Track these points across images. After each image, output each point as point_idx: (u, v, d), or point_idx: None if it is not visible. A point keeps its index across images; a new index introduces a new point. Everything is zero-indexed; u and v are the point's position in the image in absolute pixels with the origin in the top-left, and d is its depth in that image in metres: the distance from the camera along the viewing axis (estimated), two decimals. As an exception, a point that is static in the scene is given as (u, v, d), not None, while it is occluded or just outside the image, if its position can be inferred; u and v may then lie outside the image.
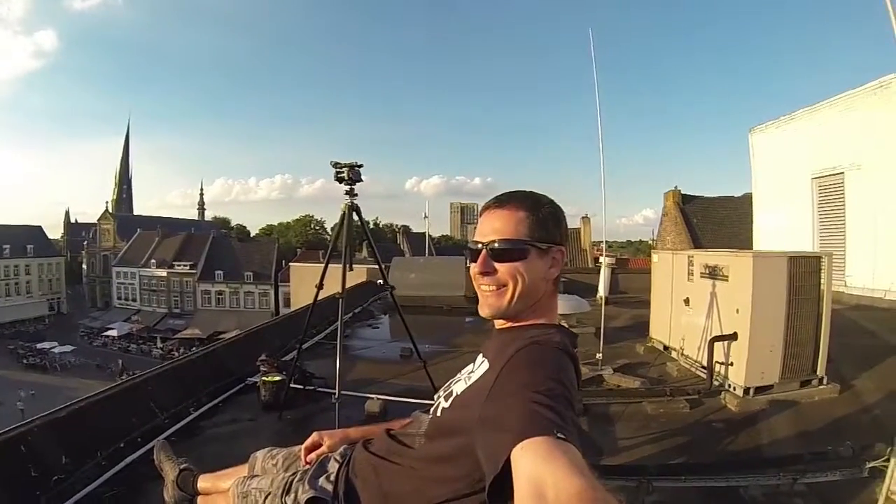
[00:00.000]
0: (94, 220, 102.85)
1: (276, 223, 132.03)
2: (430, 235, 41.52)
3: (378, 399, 6.76)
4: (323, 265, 6.01)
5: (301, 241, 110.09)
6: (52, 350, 67.84)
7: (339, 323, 5.82)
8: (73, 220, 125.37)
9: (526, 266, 1.82)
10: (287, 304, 65.31)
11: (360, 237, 7.21)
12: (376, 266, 7.71)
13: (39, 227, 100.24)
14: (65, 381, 58.14)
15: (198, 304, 78.28)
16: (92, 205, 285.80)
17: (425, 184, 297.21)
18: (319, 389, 7.33)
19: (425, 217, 38.86)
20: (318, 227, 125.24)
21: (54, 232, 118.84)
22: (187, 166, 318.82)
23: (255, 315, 68.21)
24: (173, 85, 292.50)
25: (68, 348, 68.37)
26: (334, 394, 5.51)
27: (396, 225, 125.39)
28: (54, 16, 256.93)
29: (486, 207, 1.93)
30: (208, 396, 7.09)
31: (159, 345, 70.98)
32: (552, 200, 1.92)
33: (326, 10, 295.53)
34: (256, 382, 7.24)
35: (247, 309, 74.44)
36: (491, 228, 1.86)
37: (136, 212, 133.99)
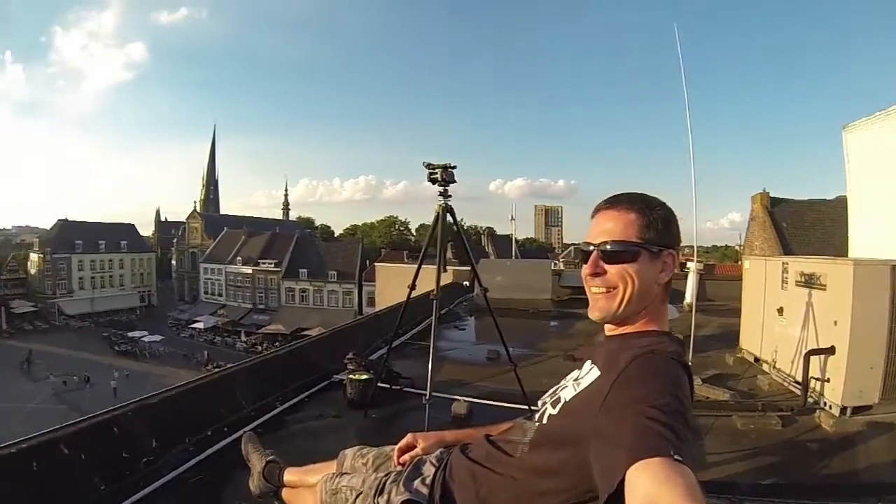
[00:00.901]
0: (183, 219, 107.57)
1: (360, 223, 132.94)
2: (515, 238, 41.48)
3: (465, 401, 6.67)
4: (416, 265, 5.96)
5: (385, 241, 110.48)
6: (143, 339, 71.06)
7: (432, 324, 5.68)
8: (163, 219, 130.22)
9: (637, 269, 1.78)
10: (371, 303, 66.40)
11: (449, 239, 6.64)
12: (462, 267, 7.58)
13: (132, 225, 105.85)
14: (153, 367, 60.56)
15: (282, 300, 79.47)
16: (181, 204, 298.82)
17: (509, 185, 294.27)
18: (406, 389, 7.34)
19: (512, 219, 38.40)
20: (402, 228, 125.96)
21: (146, 230, 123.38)
22: (272, 167, 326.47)
23: (338, 313, 68.98)
24: (258, 89, 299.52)
25: (157, 338, 71.19)
26: (424, 394, 5.34)
27: (481, 227, 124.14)
28: (143, 29, 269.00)
29: (598, 209, 1.91)
30: (294, 391, 7.16)
31: (243, 338, 72.30)
32: (664, 203, 1.88)
33: (410, 13, 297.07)
34: (343, 380, 7.28)
35: (330, 307, 75.15)
36: (601, 229, 1.84)
37: (222, 211, 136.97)
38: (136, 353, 67.94)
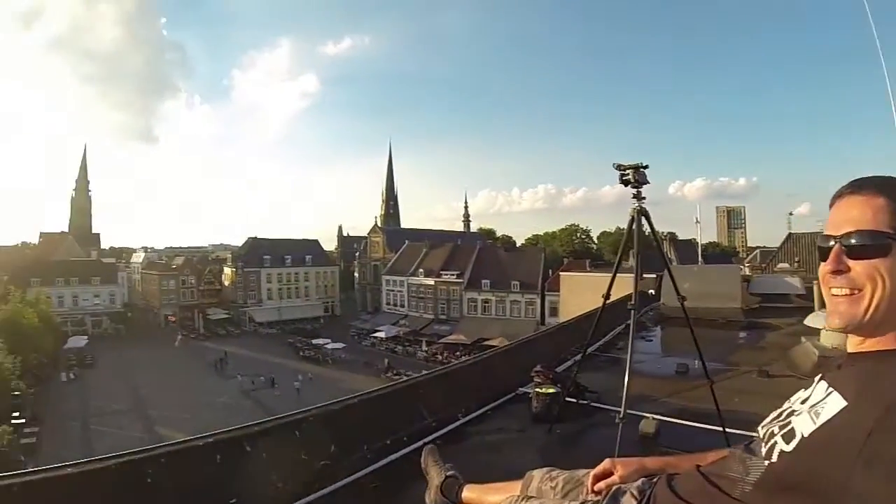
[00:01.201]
0: (365, 234, 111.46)
1: (541, 233, 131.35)
2: (700, 242, 37.74)
3: (654, 419, 6.08)
4: (601, 274, 6.35)
5: (567, 250, 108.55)
6: (326, 346, 73.65)
7: (630, 335, 5.22)
8: (345, 234, 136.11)
9: (889, 265, 1.34)
10: (553, 313, 65.47)
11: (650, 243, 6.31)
12: (647, 275, 7.51)
13: (316, 241, 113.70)
14: (335, 373, 63.17)
15: (464, 311, 79.57)
16: (362, 220, 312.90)
17: (689, 187, 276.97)
18: (593, 405, 6.86)
19: (697, 222, 35.98)
20: (583, 236, 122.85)
21: (329, 245, 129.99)
22: (451, 180, 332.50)
23: (520, 324, 68.21)
24: (430, 104, 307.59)
25: (340, 345, 73.28)
26: (617, 412, 4.89)
27: (662, 232, 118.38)
28: (312, 62, 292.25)
29: (839, 194, 1.48)
30: (477, 404, 6.95)
31: (424, 348, 73.55)
32: None
33: (579, 23, 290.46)
34: (528, 393, 6.98)
35: (512, 317, 74.33)
36: (845, 218, 1.43)
37: (403, 225, 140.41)
38: (319, 359, 70.77)
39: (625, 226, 5.37)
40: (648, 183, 5.21)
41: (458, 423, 6.37)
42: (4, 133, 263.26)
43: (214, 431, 4.48)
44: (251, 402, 53.34)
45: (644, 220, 5.28)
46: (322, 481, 4.56)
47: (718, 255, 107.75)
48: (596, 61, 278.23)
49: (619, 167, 5.18)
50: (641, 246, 5.25)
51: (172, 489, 3.89)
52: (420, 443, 4.94)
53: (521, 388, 7.41)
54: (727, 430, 5.00)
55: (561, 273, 61.32)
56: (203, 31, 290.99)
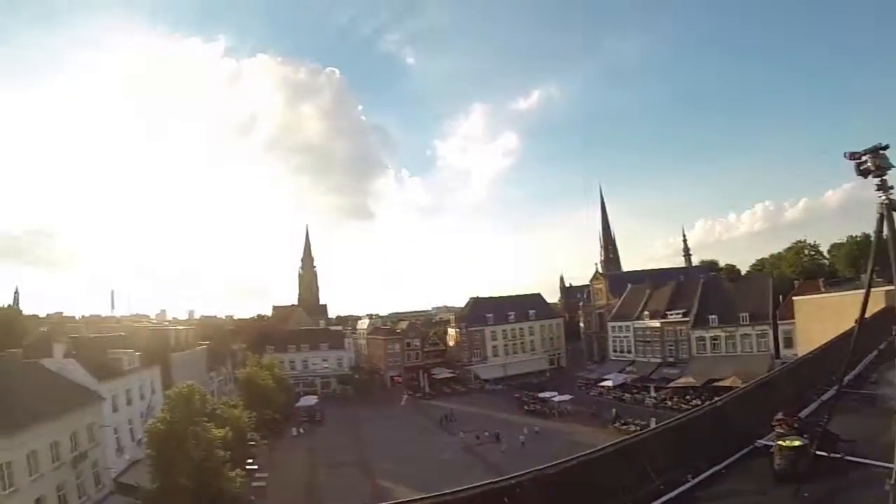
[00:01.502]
0: (586, 282, 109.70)
1: (765, 256, 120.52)
2: None
3: None
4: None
5: (796, 271, 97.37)
6: (552, 398, 71.37)
7: None
8: (567, 285, 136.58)
9: None
10: (788, 343, 59.72)
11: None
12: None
13: (538, 294, 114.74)
14: (561, 425, 61.46)
15: (692, 351, 74.71)
16: (582, 268, 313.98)
17: None
18: (849, 458, 5.27)
19: None
20: (812, 253, 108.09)
21: (552, 296, 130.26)
22: (666, 215, 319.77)
23: (752, 360, 63.46)
24: (632, 141, 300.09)
25: (566, 397, 71.02)
26: (887, 470, 3.75)
27: None
28: (507, 120, 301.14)
29: None
30: (709, 460, 6.03)
31: (652, 394, 69.73)
32: None
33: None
34: (768, 446, 5.98)
35: (744, 353, 68.25)
36: None
37: (623, 268, 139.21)
38: (545, 412, 69.17)
39: (861, 231, 3.96)
40: (893, 167, 4.38)
41: (686, 486, 5.52)
42: (235, 225, 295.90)
43: (413, 498, 4.66)
44: (474, 458, 52.68)
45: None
46: None
47: None
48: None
49: (852, 156, 4.47)
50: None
51: None
52: None
53: (759, 441, 6.38)
54: None
55: (794, 298, 54.03)
56: (398, 110, 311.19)
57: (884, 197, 4.30)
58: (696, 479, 5.55)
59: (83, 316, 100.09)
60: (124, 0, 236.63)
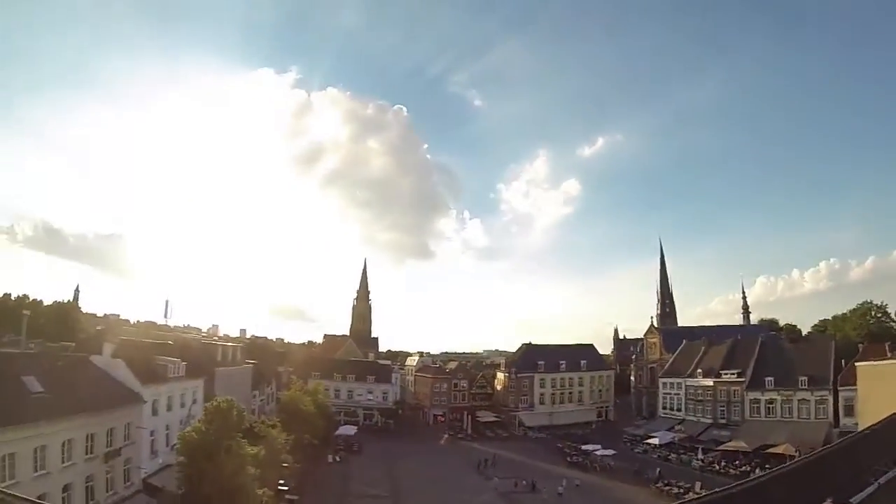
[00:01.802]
0: (640, 335, 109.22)
1: (829, 317, 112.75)
2: None
3: None
4: None
5: (861, 334, 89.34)
6: (595, 452, 69.65)
7: None
8: (621, 337, 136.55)
9: None
10: (849, 412, 56.07)
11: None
12: None
13: (591, 345, 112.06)
14: (602, 480, 60.12)
15: (745, 413, 71.19)
16: (637, 321, 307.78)
17: None
18: None
19: None
20: (879, 315, 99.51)
21: (605, 348, 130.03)
22: (726, 270, 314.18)
23: (809, 427, 60.50)
24: (698, 193, 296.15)
25: (609, 452, 69.08)
26: None
27: None
28: (571, 167, 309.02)
29: None
30: None
31: (700, 456, 66.47)
32: None
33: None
34: None
35: (801, 419, 64.35)
36: None
37: (680, 323, 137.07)
38: (587, 466, 67.60)
39: None
40: None
41: None
42: (296, 253, 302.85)
43: None
44: None
45: None
46: None
47: None
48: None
49: None
50: None
51: None
52: None
53: None
54: None
55: (857, 364, 51.32)
56: (463, 150, 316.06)
57: None
58: None
59: (138, 321, 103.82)
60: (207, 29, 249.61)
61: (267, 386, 71.75)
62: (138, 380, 39.03)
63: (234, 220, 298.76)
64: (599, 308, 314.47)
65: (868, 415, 36.82)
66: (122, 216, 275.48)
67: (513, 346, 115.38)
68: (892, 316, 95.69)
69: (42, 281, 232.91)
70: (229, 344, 67.30)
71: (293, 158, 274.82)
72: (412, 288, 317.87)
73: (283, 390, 70.45)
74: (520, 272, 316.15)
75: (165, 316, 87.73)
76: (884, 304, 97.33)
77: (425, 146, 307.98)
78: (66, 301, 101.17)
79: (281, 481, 46.12)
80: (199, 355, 53.41)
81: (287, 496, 45.36)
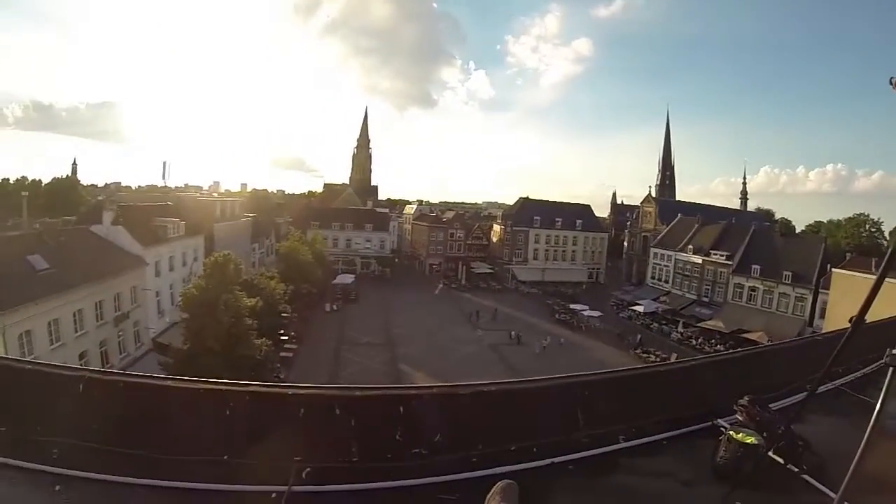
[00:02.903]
0: (638, 203, 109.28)
1: (824, 220, 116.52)
2: None
3: None
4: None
5: (851, 244, 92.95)
6: (582, 312, 72.81)
7: (884, 389, 2.83)
8: (618, 202, 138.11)
9: None
10: (823, 314, 57.87)
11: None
12: None
13: (588, 206, 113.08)
14: (585, 340, 62.92)
15: (728, 296, 73.42)
16: (636, 188, 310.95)
17: None
18: (806, 478, 4.32)
19: None
20: (872, 229, 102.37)
21: (602, 211, 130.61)
22: (730, 153, 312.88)
23: (784, 320, 62.72)
24: (710, 69, 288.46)
25: (596, 313, 71.87)
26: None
27: None
28: (585, 26, 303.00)
29: None
30: (656, 426, 5.14)
31: (680, 329, 69.13)
32: None
33: None
34: (722, 430, 4.92)
35: (778, 311, 66.42)
36: None
37: (677, 197, 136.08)
38: (572, 324, 70.27)
39: None
40: None
41: (613, 448, 4.80)
42: (297, 103, 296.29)
43: (310, 385, 4.30)
44: (495, 356, 54.23)
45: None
46: (401, 472, 3.94)
47: None
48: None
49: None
50: None
51: (245, 427, 3.92)
52: (548, 461, 4.27)
53: (719, 420, 5.31)
54: None
55: (835, 270, 52.10)
56: (471, 1, 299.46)
57: None
58: (629, 443, 4.96)
59: (139, 186, 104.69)
60: None
61: (266, 238, 73.51)
62: (140, 243, 40.97)
63: (231, 74, 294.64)
64: (600, 170, 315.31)
65: (833, 321, 37.93)
66: (113, 83, 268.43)
67: (511, 199, 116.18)
68: (886, 234, 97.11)
69: (40, 160, 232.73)
70: (228, 199, 68.81)
71: (292, 7, 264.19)
72: (415, 137, 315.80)
73: (282, 241, 71.91)
74: (523, 126, 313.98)
75: (164, 177, 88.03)
76: (880, 220, 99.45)
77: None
78: (64, 177, 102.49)
79: (281, 331, 48.48)
80: (198, 213, 54.92)
81: (286, 344, 47.71)
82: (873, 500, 3.99)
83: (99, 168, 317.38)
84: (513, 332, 60.89)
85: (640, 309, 76.80)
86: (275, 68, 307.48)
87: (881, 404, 2.72)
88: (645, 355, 55.16)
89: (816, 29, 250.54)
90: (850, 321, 3.35)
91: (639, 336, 63.66)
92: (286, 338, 49.22)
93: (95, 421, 3.74)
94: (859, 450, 2.74)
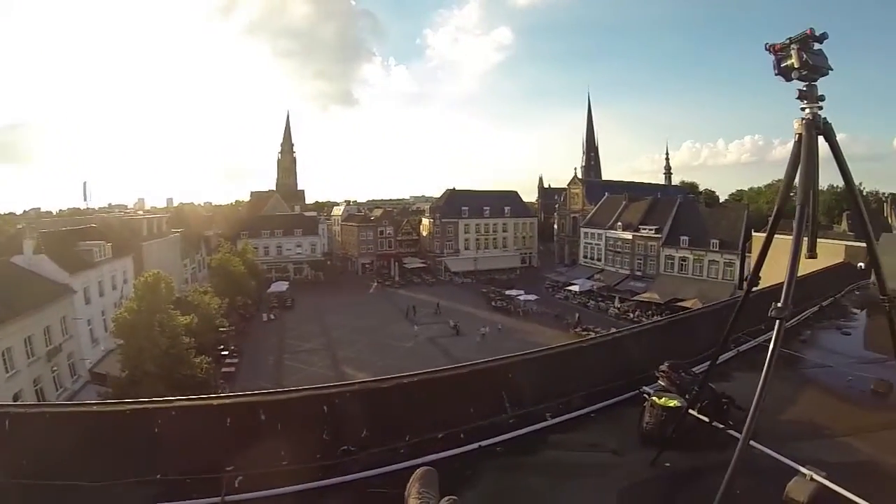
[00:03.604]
0: (565, 185, 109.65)
1: (746, 188, 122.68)
2: None
3: (813, 478, 3.79)
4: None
5: (772, 208, 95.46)
6: (518, 297, 73.15)
7: (773, 340, 2.83)
8: (546, 186, 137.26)
9: None
10: None
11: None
12: (856, 243, 6.69)
13: (515, 192, 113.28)
14: (523, 324, 63.40)
15: (660, 268, 75.46)
16: (562, 171, 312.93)
17: None
18: (731, 433, 4.46)
19: None
20: (791, 194, 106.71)
21: (529, 196, 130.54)
22: (653, 131, 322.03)
23: (716, 286, 64.25)
24: (629, 52, 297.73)
25: (532, 297, 72.52)
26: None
27: (883, 193, 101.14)
28: (504, 15, 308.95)
29: None
30: (583, 400, 5.33)
31: (617, 304, 70.78)
32: None
33: None
34: (647, 395, 5.02)
35: (709, 278, 68.83)
36: None
37: (603, 177, 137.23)
38: (510, 310, 70.81)
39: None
40: (830, 71, 3.09)
41: (538, 426, 4.89)
42: (218, 110, 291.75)
43: (231, 394, 4.46)
44: (436, 349, 54.16)
45: (823, 142, 3.17)
46: (332, 470, 3.96)
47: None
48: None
49: (771, 48, 3.19)
50: (814, 191, 3.23)
51: (174, 443, 3.85)
52: (475, 445, 4.34)
53: (646, 388, 5.39)
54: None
55: (755, 234, 54.54)
56: None
57: (808, 111, 3.13)
58: (556, 420, 5.08)
59: (60, 210, 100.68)
60: None
61: (196, 253, 72.01)
62: (65, 270, 39.22)
63: (149, 86, 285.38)
64: (527, 157, 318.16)
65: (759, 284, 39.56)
66: (22, 102, 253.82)
67: (439, 192, 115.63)
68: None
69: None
70: (154, 216, 66.78)
71: (209, 11, 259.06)
72: (339, 137, 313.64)
73: (213, 255, 70.49)
74: (447, 118, 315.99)
75: (85, 199, 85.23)
76: (797, 185, 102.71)
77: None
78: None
79: (220, 346, 47.87)
80: (124, 233, 53.39)
81: (227, 359, 46.96)
82: (791, 445, 4.36)
83: (14, 194, 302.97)
84: (451, 322, 61.61)
85: (575, 288, 77.84)
86: (194, 78, 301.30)
87: (771, 353, 2.82)
88: (585, 333, 54.30)
89: (724, 10, 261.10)
90: (745, 280, 3.83)
91: (577, 315, 64.26)
92: (226, 353, 48.44)
93: (24, 457, 3.69)
94: (755, 396, 2.83)
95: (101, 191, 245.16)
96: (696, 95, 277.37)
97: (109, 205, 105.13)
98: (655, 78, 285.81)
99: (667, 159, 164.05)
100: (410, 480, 2.95)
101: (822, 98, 3.11)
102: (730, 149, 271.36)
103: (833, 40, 2.91)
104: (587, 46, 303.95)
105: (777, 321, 2.84)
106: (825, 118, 3.08)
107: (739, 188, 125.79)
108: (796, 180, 3.29)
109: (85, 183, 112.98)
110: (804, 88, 3.10)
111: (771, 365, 2.80)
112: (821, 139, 3.09)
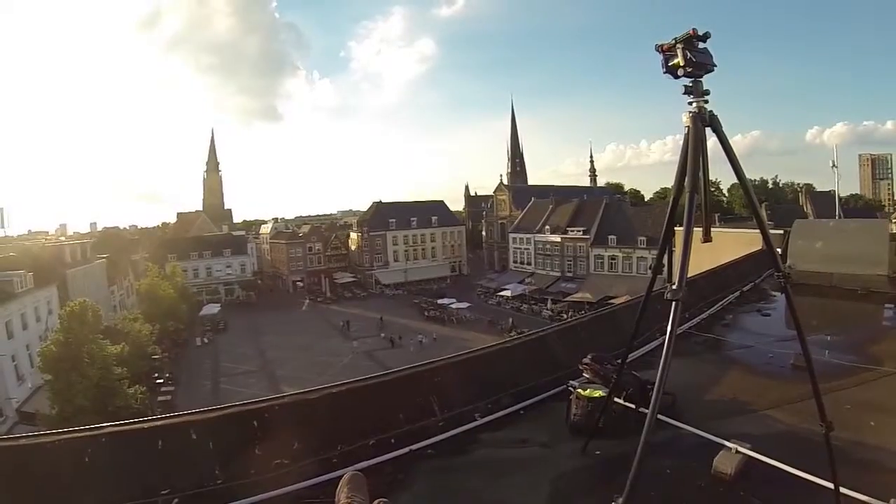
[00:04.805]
0: (491, 193, 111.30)
1: (670, 186, 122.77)
2: (838, 193, 33.60)
3: (736, 451, 4.05)
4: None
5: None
6: (451, 305, 73.58)
7: (670, 320, 2.92)
8: (472, 194, 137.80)
9: None
10: None
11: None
12: (776, 231, 6.61)
13: (442, 202, 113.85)
14: (458, 332, 63.33)
15: (590, 268, 77.40)
16: (488, 178, 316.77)
17: (828, 133, 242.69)
18: (663, 418, 4.54)
19: (834, 167, 32.13)
20: (713, 189, 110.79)
21: (456, 205, 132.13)
22: (578, 135, 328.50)
23: (646, 281, 63.22)
24: (550, 59, 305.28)
25: (465, 305, 73.26)
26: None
27: (798, 184, 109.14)
28: (427, 26, 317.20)
29: None
30: (512, 398, 5.50)
31: (549, 306, 71.85)
32: None
33: None
34: (573, 389, 5.21)
35: (639, 274, 70.16)
36: None
37: (529, 182, 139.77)
38: (443, 319, 71.24)
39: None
40: (715, 67, 3.28)
41: (471, 425, 5.03)
42: (142, 129, 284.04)
43: (160, 416, 4.42)
44: (372, 363, 53.69)
45: (711, 134, 3.39)
46: (268, 484, 3.92)
47: (861, 209, 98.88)
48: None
49: (660, 48, 3.34)
50: (704, 179, 3.44)
51: (106, 471, 3.76)
52: (406, 449, 4.42)
53: (572, 382, 5.45)
54: (843, 489, 3.31)
55: (676, 228, 56.63)
56: (314, 8, 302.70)
57: (695, 105, 3.31)
58: (486, 419, 5.18)
59: None
60: None
61: (124, 278, 69.61)
62: (-17, 305, 36.97)
63: (68, 106, 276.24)
64: (452, 166, 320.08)
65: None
66: None
67: (366, 205, 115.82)
68: (724, 192, 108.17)
69: None
70: (78, 242, 64.91)
71: (130, 23, 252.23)
72: (264, 154, 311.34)
73: (141, 280, 69.02)
74: (372, 130, 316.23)
75: (2, 226, 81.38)
76: (717, 180, 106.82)
77: (273, 4, 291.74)
78: None
79: (155, 374, 47.01)
80: (46, 261, 51.12)
81: (162, 387, 46.08)
82: (717, 422, 4.66)
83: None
84: (383, 335, 62.44)
85: (507, 293, 78.89)
86: (115, 97, 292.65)
87: (669, 333, 2.92)
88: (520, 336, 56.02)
89: (639, 17, 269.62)
90: (649, 268, 4.01)
91: (511, 319, 65.12)
92: (161, 381, 47.49)
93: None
94: (658, 376, 2.89)
95: (19, 217, 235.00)
96: (618, 98, 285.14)
97: (29, 231, 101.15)
98: (577, 83, 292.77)
99: (591, 162, 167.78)
100: (338, 487, 3.01)
101: (707, 93, 3.33)
102: (652, 149, 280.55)
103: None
104: (509, 55, 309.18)
105: (673, 303, 3.00)
106: (711, 111, 3.31)
107: (664, 186, 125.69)
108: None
109: (1, 209, 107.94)
110: (690, 84, 3.31)
111: (670, 345, 2.92)
112: (709, 130, 3.35)
